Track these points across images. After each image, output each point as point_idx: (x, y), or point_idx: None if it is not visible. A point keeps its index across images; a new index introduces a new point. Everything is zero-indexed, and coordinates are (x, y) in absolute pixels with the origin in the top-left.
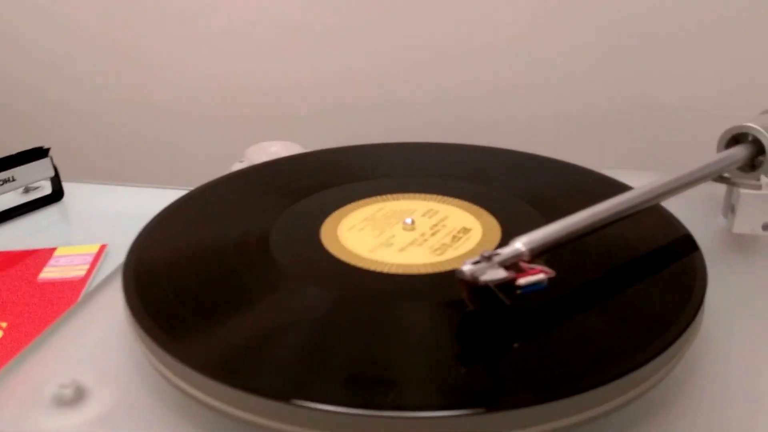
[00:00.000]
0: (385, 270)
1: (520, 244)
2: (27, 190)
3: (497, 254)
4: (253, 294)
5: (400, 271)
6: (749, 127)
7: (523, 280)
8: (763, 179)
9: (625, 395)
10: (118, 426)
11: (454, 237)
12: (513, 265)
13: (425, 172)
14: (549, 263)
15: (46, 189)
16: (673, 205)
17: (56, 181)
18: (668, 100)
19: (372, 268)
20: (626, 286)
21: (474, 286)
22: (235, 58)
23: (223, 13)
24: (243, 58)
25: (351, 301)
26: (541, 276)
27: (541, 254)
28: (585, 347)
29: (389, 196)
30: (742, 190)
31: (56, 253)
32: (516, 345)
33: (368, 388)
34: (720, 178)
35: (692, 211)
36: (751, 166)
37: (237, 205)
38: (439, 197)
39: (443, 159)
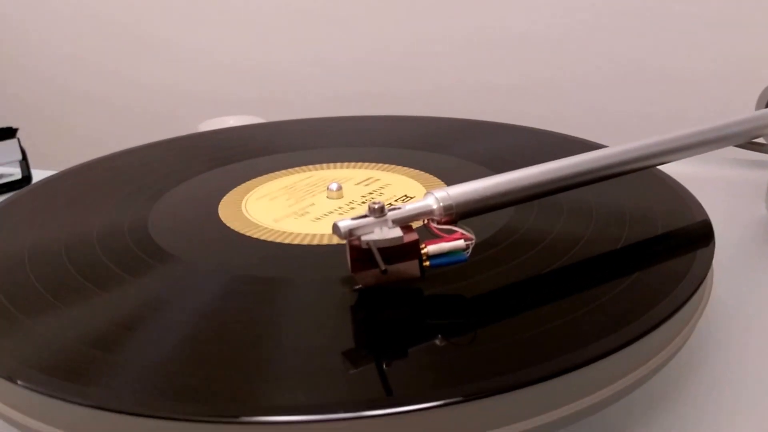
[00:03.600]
0: (286, 240)
1: (432, 199)
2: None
3: (396, 208)
4: (104, 279)
5: (306, 241)
6: None
7: (433, 248)
8: None
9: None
10: None
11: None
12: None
13: (369, 141)
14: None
15: (18, 175)
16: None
17: (24, 166)
18: None
19: (270, 238)
20: (596, 270)
21: (362, 251)
22: (229, 42)
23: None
24: (235, 41)
25: (228, 281)
26: (459, 242)
27: (464, 216)
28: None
29: (320, 165)
30: None
31: None
32: (424, 336)
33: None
34: (753, 144)
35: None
36: None
37: (137, 176)
38: (382, 165)
39: (391, 129)
